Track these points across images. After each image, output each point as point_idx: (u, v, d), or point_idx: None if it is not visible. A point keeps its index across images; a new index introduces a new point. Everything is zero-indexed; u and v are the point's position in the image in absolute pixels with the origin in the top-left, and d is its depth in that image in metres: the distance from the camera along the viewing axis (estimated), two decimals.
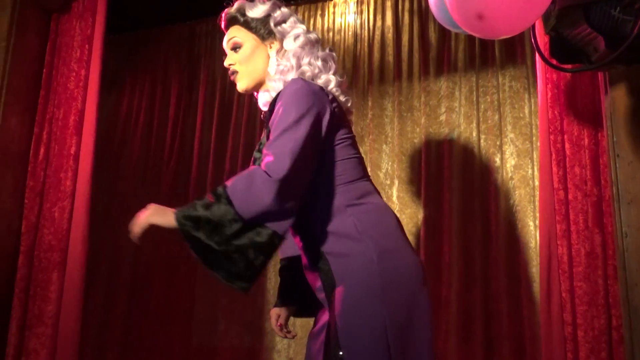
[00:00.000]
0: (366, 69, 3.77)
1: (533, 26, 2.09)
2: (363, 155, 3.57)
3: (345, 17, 3.91)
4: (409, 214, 3.47)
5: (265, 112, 2.08)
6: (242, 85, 2.09)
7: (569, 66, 2.21)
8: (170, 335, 3.79)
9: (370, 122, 3.68)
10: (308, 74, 1.97)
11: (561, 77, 2.48)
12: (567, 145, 2.42)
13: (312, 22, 3.97)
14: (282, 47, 2.06)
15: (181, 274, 3.86)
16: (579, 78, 2.44)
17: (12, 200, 3.11)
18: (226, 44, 2.12)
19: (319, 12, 3.97)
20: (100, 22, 3.23)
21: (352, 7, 3.91)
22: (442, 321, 3.23)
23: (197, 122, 4.09)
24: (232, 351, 3.64)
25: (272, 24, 2.07)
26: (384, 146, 3.63)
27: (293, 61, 1.98)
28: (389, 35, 3.75)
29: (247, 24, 2.08)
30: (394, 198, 3.52)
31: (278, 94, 1.90)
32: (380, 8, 3.81)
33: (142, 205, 4.11)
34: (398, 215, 3.42)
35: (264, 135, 1.95)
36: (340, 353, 1.66)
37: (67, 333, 2.90)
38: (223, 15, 2.15)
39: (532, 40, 2.14)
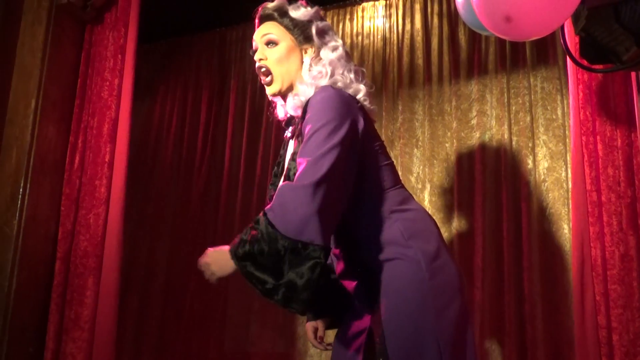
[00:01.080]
0: (396, 73, 3.77)
1: (562, 27, 2.09)
2: (394, 159, 3.61)
3: (374, 21, 3.93)
4: (441, 218, 3.47)
5: (291, 116, 2.08)
6: (275, 87, 2.04)
7: (600, 66, 2.19)
8: (203, 340, 3.84)
9: (401, 126, 3.69)
10: (339, 83, 1.96)
11: (592, 78, 2.46)
12: (599, 147, 2.39)
13: (341, 26, 3.99)
14: (317, 55, 2.03)
15: None
16: (611, 78, 2.42)
17: (49, 207, 3.18)
18: (259, 38, 2.06)
19: (348, 16, 4.00)
20: (133, 32, 3.28)
21: (381, 10, 3.92)
22: (475, 325, 3.22)
23: (228, 127, 4.15)
24: (265, 356, 3.67)
25: (313, 31, 2.04)
26: (415, 150, 3.64)
27: (328, 69, 1.97)
28: (418, 38, 3.76)
29: (287, 24, 2.04)
30: (426, 202, 3.52)
31: (308, 100, 1.90)
32: (409, 11, 3.82)
33: (174, 211, 4.17)
34: None
35: (295, 144, 1.92)
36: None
37: (103, 337, 2.95)
38: (259, 9, 2.10)
39: (562, 41, 2.14)
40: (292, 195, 1.64)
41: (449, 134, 3.58)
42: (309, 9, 2.07)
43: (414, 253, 1.72)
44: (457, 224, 3.40)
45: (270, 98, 2.14)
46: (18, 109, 3.21)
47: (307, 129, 1.78)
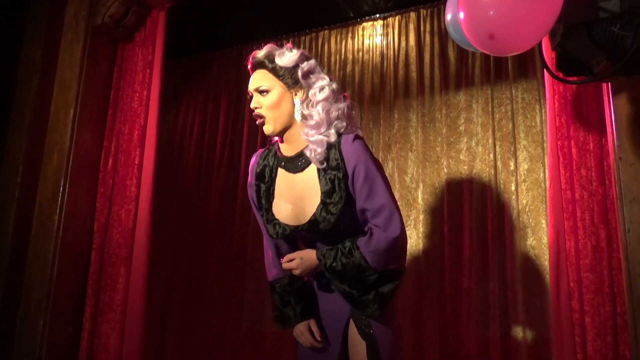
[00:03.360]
0: (392, 85, 3.77)
1: (540, 43, 2.07)
2: (391, 162, 3.62)
3: (373, 38, 3.92)
4: (432, 213, 3.46)
5: (297, 155, 2.03)
6: (269, 129, 2.01)
7: (574, 78, 2.18)
8: (223, 321, 3.84)
9: (397, 133, 3.68)
10: (342, 130, 1.97)
11: (567, 88, 2.44)
12: (573, 150, 2.37)
13: (344, 43, 3.99)
14: (307, 96, 1.99)
15: (232, 266, 3.92)
16: (584, 89, 2.40)
17: (86, 204, 3.18)
18: (252, 86, 2.03)
19: (350, 35, 3.99)
20: (159, 49, 3.28)
21: (379, 29, 3.92)
22: (463, 309, 3.21)
23: (244, 133, 4.15)
24: (278, 335, 3.67)
25: (299, 74, 1.99)
26: (410, 153, 3.63)
27: (323, 115, 1.95)
28: (412, 54, 3.75)
29: (275, 71, 2.00)
30: (419, 200, 3.51)
31: (333, 148, 1.94)
32: (404, 30, 3.82)
33: (196, 207, 4.15)
34: (423, 215, 3.45)
35: (326, 181, 1.93)
36: (368, 331, 1.89)
37: (134, 318, 2.95)
38: (250, 58, 2.06)
39: (540, 56, 2.13)
40: (385, 246, 1.87)
41: (439, 139, 3.57)
42: (294, 52, 2.01)
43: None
44: (447, 218, 3.39)
45: None
46: (58, 117, 3.22)
47: (363, 174, 1.89)
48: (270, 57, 2.01)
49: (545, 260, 3.05)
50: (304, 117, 1.98)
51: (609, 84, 2.19)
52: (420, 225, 3.47)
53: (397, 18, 3.86)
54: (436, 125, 3.60)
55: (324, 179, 1.93)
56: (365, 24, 3.97)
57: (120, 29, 3.35)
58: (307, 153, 1.96)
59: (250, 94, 2.06)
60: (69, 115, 3.19)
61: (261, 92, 2.00)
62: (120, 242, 3.10)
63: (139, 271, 3.02)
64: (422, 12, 3.77)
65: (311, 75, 2.01)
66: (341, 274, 1.89)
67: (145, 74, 3.29)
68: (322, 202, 1.91)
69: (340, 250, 1.90)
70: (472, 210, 3.34)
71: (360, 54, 3.94)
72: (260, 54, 2.04)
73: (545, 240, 3.11)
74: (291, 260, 1.97)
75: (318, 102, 1.97)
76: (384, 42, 3.88)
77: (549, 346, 2.82)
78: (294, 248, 2.16)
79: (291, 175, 2.03)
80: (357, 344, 1.89)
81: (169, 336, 3.93)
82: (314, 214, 1.92)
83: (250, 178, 2.17)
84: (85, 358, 2.98)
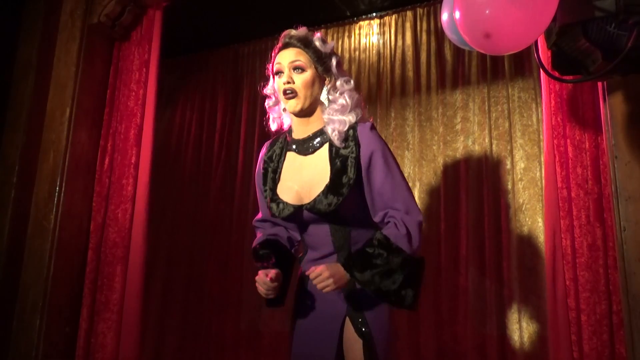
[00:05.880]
0: (389, 84, 3.77)
1: (536, 42, 2.08)
2: None
3: (370, 37, 3.93)
4: (429, 212, 3.46)
5: (309, 136, 2.06)
6: (298, 105, 2.01)
7: (570, 77, 2.18)
8: (221, 320, 3.85)
9: (394, 131, 3.69)
10: (359, 116, 2.04)
11: (563, 87, 2.44)
12: (569, 149, 2.38)
13: (340, 42, 3.99)
14: (334, 85, 2.05)
15: (231, 266, 3.92)
16: (580, 88, 2.41)
17: (82, 203, 3.18)
18: (287, 62, 2.02)
19: (346, 33, 4.00)
20: (156, 48, 3.27)
21: (375, 28, 3.92)
22: (460, 307, 3.22)
23: (241, 133, 4.15)
24: (276, 335, 3.67)
25: (333, 63, 2.05)
26: (406, 152, 3.64)
27: (349, 101, 2.02)
28: (409, 53, 3.76)
29: (312, 54, 2.03)
30: (416, 198, 3.50)
31: (349, 130, 1.99)
32: (400, 29, 3.82)
33: (194, 207, 4.14)
34: None
35: (337, 163, 1.95)
36: (364, 329, 1.90)
37: (130, 318, 2.95)
38: (286, 35, 2.06)
39: (535, 54, 2.13)
40: (415, 230, 1.90)
41: (436, 138, 3.57)
42: (332, 43, 2.11)
43: None
44: (443, 218, 3.40)
45: (287, 111, 2.11)
46: (54, 116, 3.22)
47: (382, 159, 1.95)
48: (309, 39, 2.05)
49: (541, 259, 3.06)
50: (329, 101, 2.04)
51: (605, 83, 2.19)
52: None
53: (393, 17, 3.86)
54: (433, 124, 3.61)
55: (336, 160, 1.96)
56: (361, 22, 3.98)
57: (117, 28, 3.35)
58: (329, 131, 2.01)
59: (275, 69, 2.07)
60: (65, 114, 3.19)
61: (296, 68, 2.02)
62: (116, 242, 3.09)
63: (135, 270, 3.01)
64: (419, 11, 3.78)
65: (340, 67, 2.10)
66: (378, 268, 1.83)
67: (142, 72, 3.28)
68: (331, 182, 1.94)
69: (369, 249, 1.86)
70: (468, 209, 3.35)
71: (357, 52, 3.94)
72: (300, 33, 2.06)
73: (541, 238, 3.12)
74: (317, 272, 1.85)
75: (345, 91, 2.05)
76: (381, 41, 3.88)
77: (545, 344, 2.83)
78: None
79: (301, 157, 2.06)
80: (354, 343, 1.90)
81: (167, 335, 3.94)
82: (320, 193, 1.94)
83: (259, 166, 2.20)
84: (82, 357, 2.98)
